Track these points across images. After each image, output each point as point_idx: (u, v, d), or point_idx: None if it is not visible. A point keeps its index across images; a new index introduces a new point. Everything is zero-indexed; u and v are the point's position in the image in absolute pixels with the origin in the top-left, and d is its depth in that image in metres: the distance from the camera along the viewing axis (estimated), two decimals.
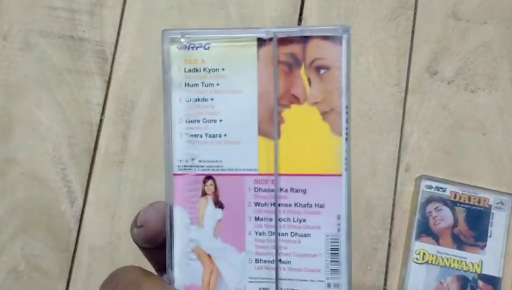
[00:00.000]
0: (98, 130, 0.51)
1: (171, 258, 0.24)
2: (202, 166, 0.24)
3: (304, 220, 0.24)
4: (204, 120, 0.24)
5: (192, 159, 0.24)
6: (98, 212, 0.50)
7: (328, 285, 0.24)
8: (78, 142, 0.51)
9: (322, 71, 0.24)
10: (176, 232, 0.24)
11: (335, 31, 0.24)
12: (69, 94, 0.52)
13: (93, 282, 0.48)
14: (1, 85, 0.52)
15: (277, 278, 0.24)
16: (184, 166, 0.24)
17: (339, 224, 0.24)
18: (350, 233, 0.24)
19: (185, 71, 0.24)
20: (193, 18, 0.53)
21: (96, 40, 0.53)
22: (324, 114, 0.24)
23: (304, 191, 0.24)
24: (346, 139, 0.25)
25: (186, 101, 0.24)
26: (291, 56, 0.24)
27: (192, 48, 0.24)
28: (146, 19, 0.53)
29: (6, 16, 0.53)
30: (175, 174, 0.24)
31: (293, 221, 0.24)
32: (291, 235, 0.24)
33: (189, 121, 0.24)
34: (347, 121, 0.25)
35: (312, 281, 0.24)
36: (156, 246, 0.25)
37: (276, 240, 0.24)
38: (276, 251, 0.24)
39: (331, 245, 0.24)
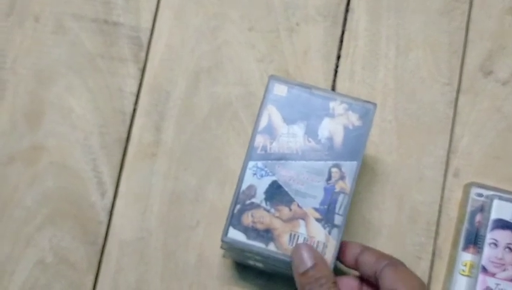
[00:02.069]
0: (131, 120, 0.49)
1: None
2: None
3: None
4: None
5: None
6: (129, 205, 0.48)
7: None
8: (110, 132, 0.49)
9: None
10: None
11: None
12: (101, 81, 0.50)
13: (122, 277, 0.47)
14: (32, 69, 0.50)
15: None
16: None
17: None
18: None
19: None
20: (234, 6, 0.50)
21: (131, 25, 0.50)
22: None
23: None
24: None
25: None
26: None
27: None
28: (185, 4, 0.51)
29: None
30: None
31: None
32: None
33: None
34: None
35: None
36: None
37: None
38: None
39: None
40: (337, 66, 0.49)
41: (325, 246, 0.40)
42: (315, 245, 0.40)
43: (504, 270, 0.42)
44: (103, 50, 0.50)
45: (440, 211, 0.47)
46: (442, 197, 0.47)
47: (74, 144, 0.49)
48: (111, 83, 0.50)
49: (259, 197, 0.41)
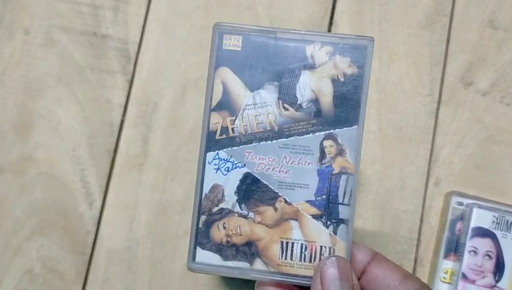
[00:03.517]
0: (119, 131, 0.50)
1: None
2: None
3: None
4: None
5: None
6: (117, 215, 0.48)
7: None
8: (98, 143, 0.50)
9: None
10: None
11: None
12: (90, 93, 0.50)
13: (109, 286, 0.47)
14: (21, 81, 0.51)
15: None
16: None
17: None
18: None
19: None
20: (220, 18, 0.51)
21: (119, 37, 0.51)
22: None
23: None
24: None
25: None
26: None
27: None
28: (172, 17, 0.52)
29: (28, 9, 0.52)
30: None
31: None
32: None
33: None
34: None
35: None
36: None
37: None
38: None
39: None
40: None
41: (332, 251, 0.30)
42: (317, 253, 0.30)
43: (483, 277, 0.43)
44: (92, 62, 0.51)
45: (421, 220, 0.48)
46: (423, 206, 0.48)
47: (63, 155, 0.49)
48: (99, 95, 0.50)
49: (230, 200, 0.31)
